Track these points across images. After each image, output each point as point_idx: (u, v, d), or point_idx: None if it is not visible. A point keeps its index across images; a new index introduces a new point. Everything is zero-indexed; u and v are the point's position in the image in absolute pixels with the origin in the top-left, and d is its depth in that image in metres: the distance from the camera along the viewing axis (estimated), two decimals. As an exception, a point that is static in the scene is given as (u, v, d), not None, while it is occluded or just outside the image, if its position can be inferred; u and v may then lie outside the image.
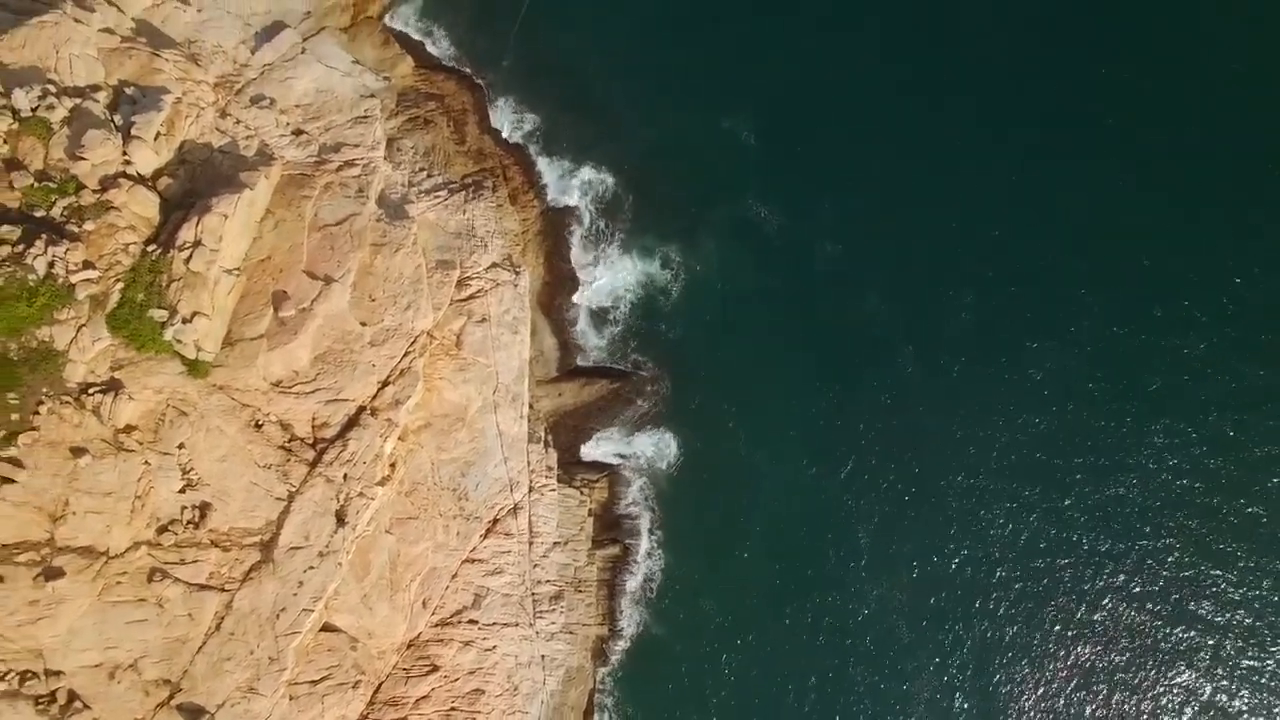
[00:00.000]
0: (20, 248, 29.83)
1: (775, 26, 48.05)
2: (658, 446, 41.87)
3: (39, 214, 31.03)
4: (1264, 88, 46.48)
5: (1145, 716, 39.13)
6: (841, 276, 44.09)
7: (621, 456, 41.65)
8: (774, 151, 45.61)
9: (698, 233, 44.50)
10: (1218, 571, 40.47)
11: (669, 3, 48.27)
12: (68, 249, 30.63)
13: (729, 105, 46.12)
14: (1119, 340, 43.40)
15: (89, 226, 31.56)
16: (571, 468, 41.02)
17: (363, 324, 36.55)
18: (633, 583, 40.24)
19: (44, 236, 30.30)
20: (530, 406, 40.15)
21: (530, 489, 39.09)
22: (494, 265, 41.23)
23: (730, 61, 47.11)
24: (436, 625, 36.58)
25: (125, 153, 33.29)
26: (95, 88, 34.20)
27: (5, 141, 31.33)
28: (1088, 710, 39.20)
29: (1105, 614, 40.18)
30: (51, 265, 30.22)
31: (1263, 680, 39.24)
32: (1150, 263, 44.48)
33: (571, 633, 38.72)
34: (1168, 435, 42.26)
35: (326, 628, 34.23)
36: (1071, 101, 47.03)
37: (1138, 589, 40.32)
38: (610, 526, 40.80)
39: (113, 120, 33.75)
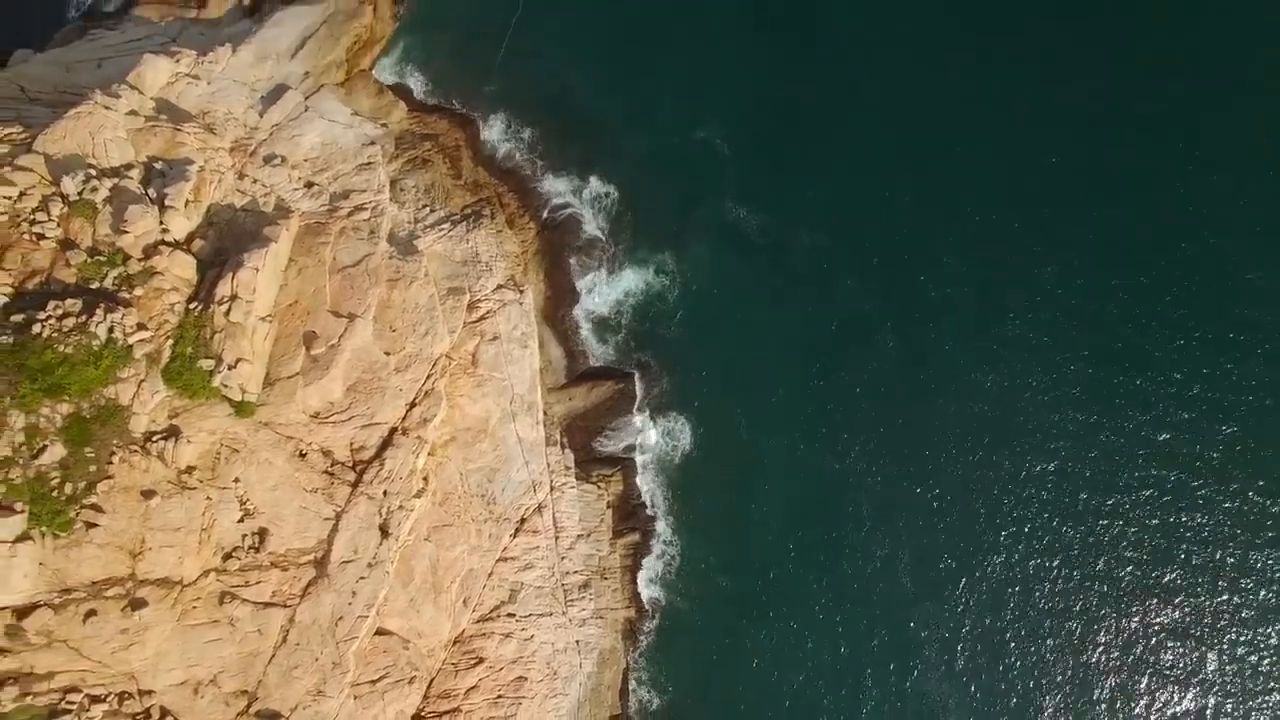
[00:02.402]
0: (83, 318, 31.43)
1: (737, 39, 49.46)
2: (665, 438, 43.00)
3: (94, 285, 32.67)
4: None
5: (1147, 678, 40.11)
6: (819, 265, 45.58)
7: (632, 450, 42.73)
8: (746, 156, 47.22)
9: (686, 237, 45.78)
10: (1202, 518, 41.75)
11: (628, 31, 49.90)
12: (123, 314, 32.14)
13: (701, 118, 47.75)
14: (1102, 310, 44.79)
15: (138, 292, 33.13)
16: (587, 465, 42.20)
17: (387, 353, 37.90)
18: (654, 566, 41.51)
19: (102, 305, 31.83)
20: (545, 412, 41.43)
21: (552, 488, 40.48)
22: (500, 287, 42.58)
23: (697, 78, 48.64)
24: (478, 621, 37.92)
25: (162, 222, 34.70)
26: (128, 166, 35.68)
27: (59, 225, 32.78)
28: (1086, 664, 40.26)
29: (1100, 574, 41.05)
30: (111, 330, 31.72)
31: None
32: (1128, 235, 45.85)
33: (602, 617, 40.09)
34: (1151, 400, 43.39)
35: (380, 631, 35.52)
36: (1031, 84, 48.56)
37: (1133, 553, 41.27)
38: (628, 516, 42.03)
39: (147, 194, 35.17)
